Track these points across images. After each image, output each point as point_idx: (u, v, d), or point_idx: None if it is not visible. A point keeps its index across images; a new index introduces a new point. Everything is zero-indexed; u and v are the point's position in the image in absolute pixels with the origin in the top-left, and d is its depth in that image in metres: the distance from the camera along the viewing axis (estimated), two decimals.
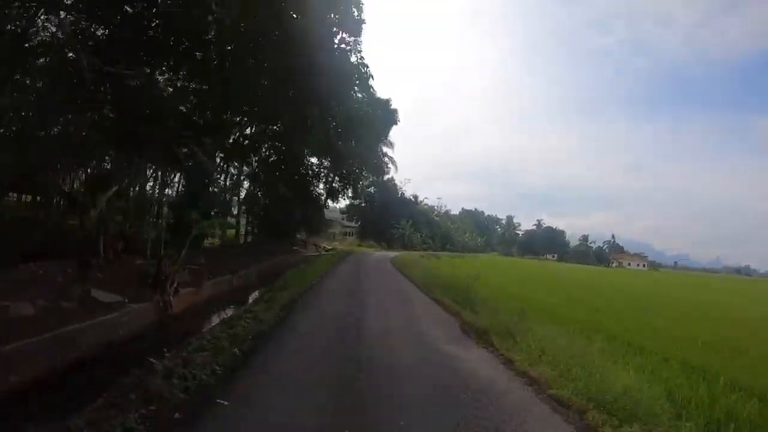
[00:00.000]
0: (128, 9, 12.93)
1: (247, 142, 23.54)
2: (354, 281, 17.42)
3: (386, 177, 61.43)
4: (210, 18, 12.44)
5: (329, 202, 38.54)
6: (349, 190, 36.86)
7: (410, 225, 59.08)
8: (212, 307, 13.14)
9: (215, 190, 22.13)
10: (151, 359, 5.73)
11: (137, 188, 16.47)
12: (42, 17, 12.27)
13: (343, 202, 61.28)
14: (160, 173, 18.28)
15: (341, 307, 10.54)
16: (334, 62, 18.16)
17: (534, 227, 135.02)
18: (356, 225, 62.41)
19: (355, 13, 17.68)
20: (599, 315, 13.99)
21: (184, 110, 16.10)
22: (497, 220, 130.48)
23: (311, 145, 24.30)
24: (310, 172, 27.26)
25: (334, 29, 17.59)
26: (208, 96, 16.07)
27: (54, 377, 6.45)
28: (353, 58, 19.65)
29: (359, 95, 24.93)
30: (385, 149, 36.76)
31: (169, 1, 12.94)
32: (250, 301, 12.93)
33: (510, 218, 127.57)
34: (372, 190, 60.73)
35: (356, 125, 25.02)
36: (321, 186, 32.03)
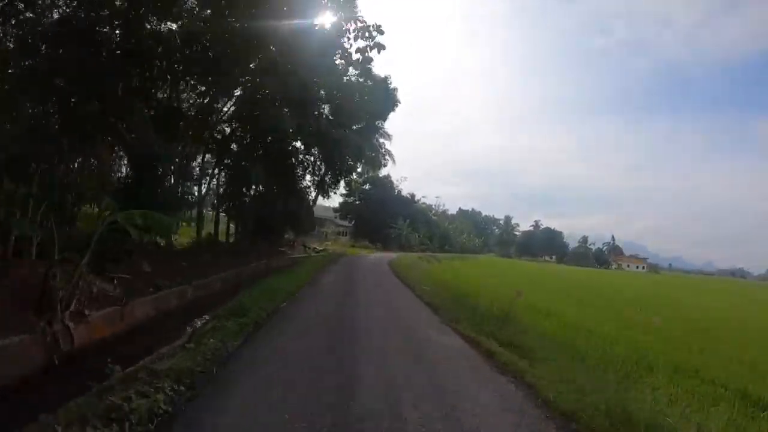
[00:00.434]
0: None
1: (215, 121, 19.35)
2: (341, 302, 11.55)
3: (382, 173, 57.56)
4: None
5: (320, 198, 34.42)
6: (341, 183, 32.59)
7: (408, 225, 55.03)
8: (136, 336, 9.05)
9: (174, 179, 17.89)
10: None
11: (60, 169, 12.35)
12: None
13: (336, 199, 57.32)
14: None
15: (314, 371, 5.66)
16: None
17: (531, 228, 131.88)
18: (350, 224, 58.23)
19: None
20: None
21: None
22: (495, 221, 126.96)
23: (300, 131, 20.27)
24: (294, 159, 22.98)
25: None
26: None
27: None
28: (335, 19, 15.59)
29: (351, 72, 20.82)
30: (382, 140, 32.81)
31: None
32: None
33: (508, 219, 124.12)
34: (367, 187, 56.67)
35: (347, 104, 21.01)
36: (308, 178, 27.90)
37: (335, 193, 32.15)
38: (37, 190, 10.29)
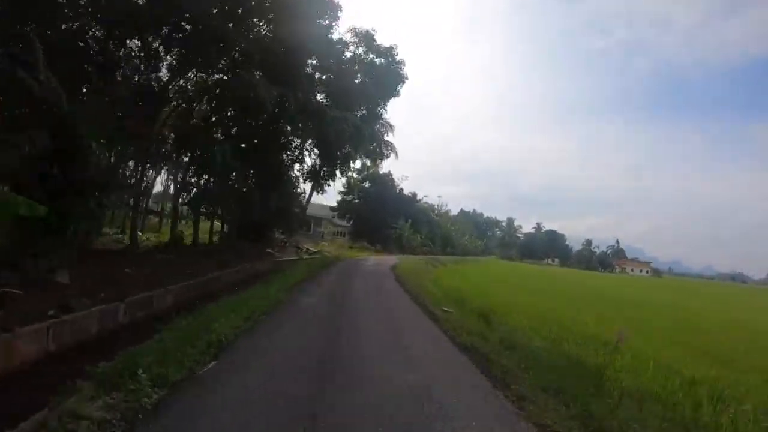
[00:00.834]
0: None
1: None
2: (322, 358, 6.45)
3: (383, 170, 53.83)
4: None
5: (316, 195, 30.68)
6: (339, 176, 28.75)
7: (409, 225, 51.25)
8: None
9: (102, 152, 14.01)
10: None
11: None
12: None
13: (333, 197, 53.53)
14: None
15: None
16: None
17: (533, 230, 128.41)
18: (348, 224, 54.46)
19: None
20: None
21: None
22: (497, 222, 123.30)
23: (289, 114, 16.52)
24: (277, 142, 19.01)
25: None
26: None
27: None
28: None
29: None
30: (383, 130, 28.94)
31: None
32: None
33: (510, 220, 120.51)
34: (367, 185, 52.91)
35: (345, 82, 17.31)
36: (297, 167, 24.11)
37: (329, 184, 28.29)
38: None
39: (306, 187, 30.05)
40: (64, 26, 11.63)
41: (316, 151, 23.04)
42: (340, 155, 23.46)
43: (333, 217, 55.64)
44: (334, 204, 53.89)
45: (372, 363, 6.31)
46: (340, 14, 16.72)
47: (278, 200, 21.21)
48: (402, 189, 54.61)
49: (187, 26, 12.78)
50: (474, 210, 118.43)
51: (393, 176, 54.13)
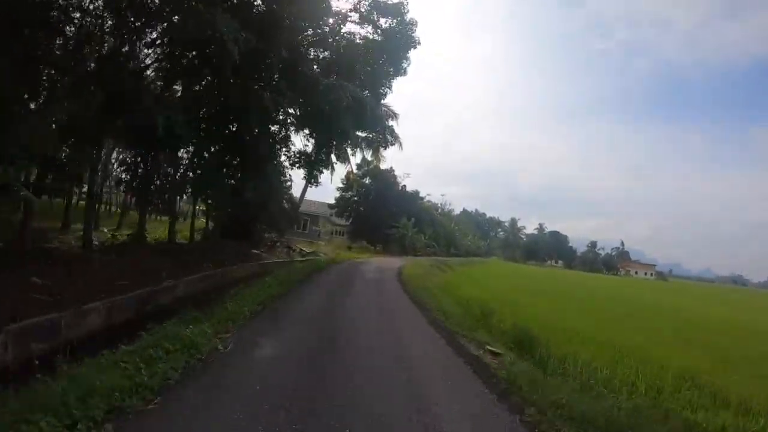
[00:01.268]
0: None
1: None
2: None
3: (384, 166, 49.87)
4: None
5: (309, 189, 26.93)
6: (333, 160, 24.75)
7: (413, 224, 47.39)
8: None
9: None
10: None
11: None
12: None
13: (331, 192, 49.68)
14: None
15: None
16: None
17: (535, 231, 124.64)
18: (347, 223, 50.61)
19: None
20: None
21: None
22: (499, 223, 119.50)
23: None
24: (259, 109, 15.02)
25: None
26: None
27: None
28: None
29: None
30: (385, 112, 24.94)
31: None
32: None
33: (514, 221, 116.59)
34: (367, 181, 49.07)
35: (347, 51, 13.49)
36: (285, 152, 20.32)
37: (323, 171, 24.33)
38: None
39: (295, 174, 26.43)
40: None
41: (306, 130, 19.15)
42: (336, 136, 19.49)
43: (331, 214, 51.81)
44: (332, 201, 50.10)
45: None
46: None
47: (258, 190, 17.46)
48: (405, 186, 50.83)
49: None
50: (476, 210, 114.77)
51: (395, 172, 50.38)
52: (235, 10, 10.45)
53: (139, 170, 13.85)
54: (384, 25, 16.96)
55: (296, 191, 33.41)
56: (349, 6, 16.68)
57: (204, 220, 32.31)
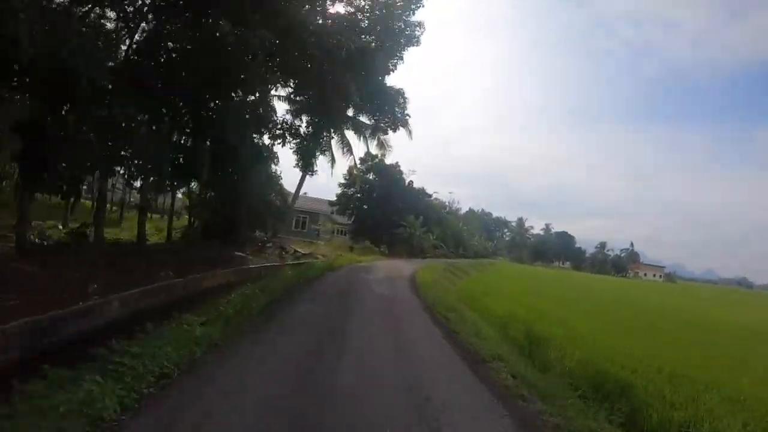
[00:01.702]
0: None
1: None
2: None
3: (389, 161, 45.76)
4: None
5: (307, 177, 22.84)
6: (333, 136, 20.54)
7: (421, 223, 43.14)
8: None
9: None
10: None
11: None
12: None
13: (332, 189, 45.58)
14: None
15: None
16: None
17: (541, 232, 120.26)
18: (349, 221, 46.44)
19: None
20: None
21: None
22: (506, 223, 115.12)
23: None
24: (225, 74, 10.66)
25: None
26: None
27: None
28: None
29: None
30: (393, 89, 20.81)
31: None
32: None
33: (521, 221, 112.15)
34: (371, 177, 44.92)
35: None
36: (266, 127, 16.23)
37: (316, 155, 20.20)
38: None
39: (287, 165, 22.35)
40: None
41: (291, 87, 14.88)
42: (334, 102, 15.14)
43: (332, 212, 47.67)
44: (334, 198, 45.90)
45: None
46: None
47: (228, 177, 13.45)
48: (412, 182, 46.60)
49: None
50: (482, 209, 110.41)
51: (401, 168, 46.15)
52: None
53: (34, 134, 9.61)
54: None
55: (290, 185, 29.34)
56: None
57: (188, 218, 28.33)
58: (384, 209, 43.04)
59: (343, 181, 44.44)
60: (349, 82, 13.47)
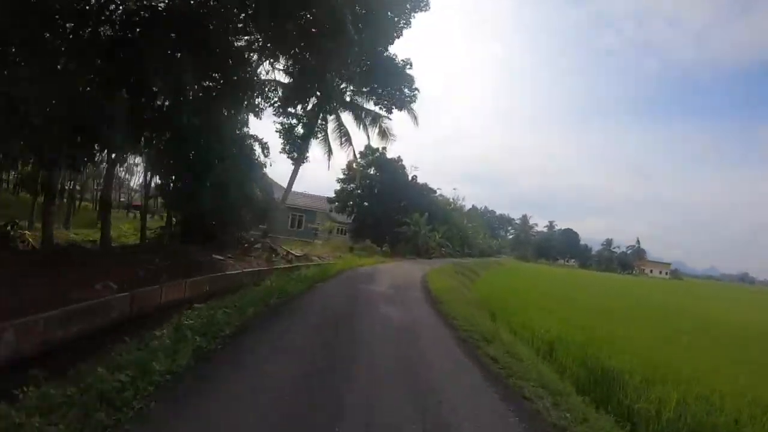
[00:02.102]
0: None
1: None
2: None
3: (391, 155, 42.71)
4: None
5: (288, 162, 19.74)
6: (325, 118, 17.35)
7: (426, 220, 40.00)
8: None
9: None
10: None
11: None
12: None
13: (331, 185, 42.48)
14: None
15: None
16: None
17: (545, 229, 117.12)
18: (349, 219, 43.34)
19: None
20: None
21: None
22: (510, 220, 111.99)
23: None
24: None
25: None
26: None
27: None
28: None
29: None
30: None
31: None
32: None
33: (525, 218, 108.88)
34: (372, 172, 41.82)
35: None
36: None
37: (308, 136, 17.05)
38: None
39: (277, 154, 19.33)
40: None
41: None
42: (331, 57, 11.65)
43: (330, 210, 44.60)
44: (332, 195, 42.78)
45: None
46: None
47: (178, 147, 10.33)
48: (416, 176, 43.45)
49: None
50: (485, 207, 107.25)
51: (403, 162, 43.01)
52: None
53: None
54: None
55: (282, 179, 26.27)
56: None
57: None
58: (386, 206, 39.92)
59: (341, 176, 41.41)
60: (346, 48, 10.26)
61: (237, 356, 5.44)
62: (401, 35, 15.39)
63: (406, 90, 17.95)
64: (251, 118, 17.14)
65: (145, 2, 8.91)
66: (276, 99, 18.07)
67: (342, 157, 39.30)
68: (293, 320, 7.64)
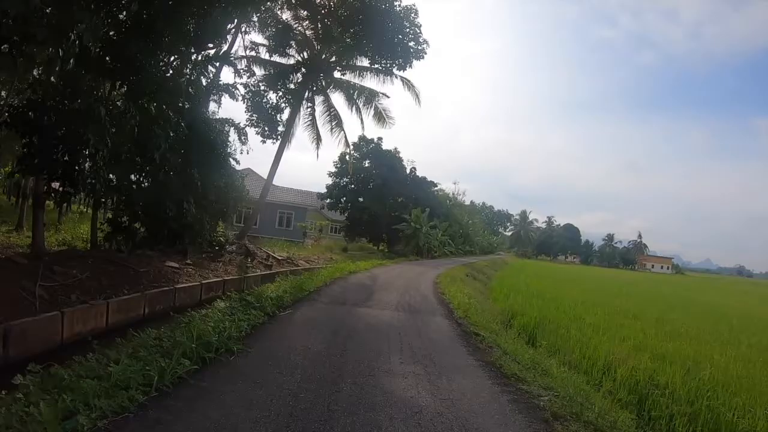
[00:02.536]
0: None
1: None
2: None
3: (387, 146, 39.08)
4: None
5: (263, 138, 16.07)
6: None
7: (428, 216, 36.28)
8: None
9: None
10: None
11: None
12: None
13: (323, 179, 38.67)
14: None
15: None
16: None
17: (544, 225, 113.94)
18: (343, 216, 39.60)
19: None
20: None
21: None
22: (509, 216, 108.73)
23: None
24: None
25: None
26: None
27: None
28: None
29: None
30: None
31: None
32: None
33: (524, 214, 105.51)
34: (366, 164, 38.15)
35: None
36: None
37: (283, 100, 13.34)
38: None
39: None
40: None
41: None
42: None
43: (322, 207, 40.87)
44: (325, 190, 39.00)
45: None
46: None
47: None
48: (414, 169, 39.74)
49: None
50: (483, 203, 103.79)
51: (400, 155, 39.34)
52: None
53: None
54: None
55: (262, 168, 22.57)
56: None
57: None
58: (383, 202, 36.27)
59: (334, 169, 37.70)
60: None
61: None
62: None
63: (411, 42, 14.29)
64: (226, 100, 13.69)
65: None
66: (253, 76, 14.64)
67: (333, 145, 35.30)
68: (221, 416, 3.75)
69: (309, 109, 21.98)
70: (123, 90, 10.86)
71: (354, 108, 22.39)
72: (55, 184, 10.46)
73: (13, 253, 11.26)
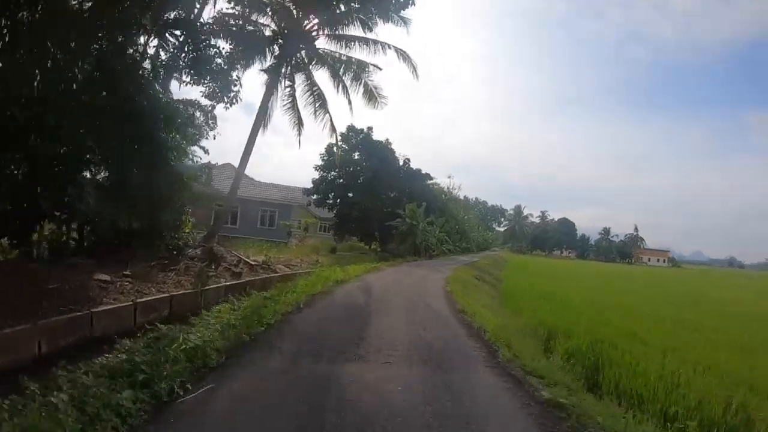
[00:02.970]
0: None
1: None
2: None
3: (378, 136, 36.01)
4: None
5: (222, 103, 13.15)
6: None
7: (424, 211, 33.31)
8: None
9: None
10: None
11: None
12: None
13: (308, 174, 35.50)
14: None
15: None
16: None
17: (538, 219, 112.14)
18: (331, 213, 36.55)
19: None
20: None
21: None
22: (503, 211, 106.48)
23: None
24: None
25: None
26: None
27: None
28: None
29: None
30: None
31: None
32: None
33: (519, 208, 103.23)
34: (356, 156, 35.09)
35: None
36: None
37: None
38: None
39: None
40: None
41: None
42: None
43: (309, 204, 37.75)
44: (311, 185, 35.86)
45: None
46: None
47: None
48: (408, 161, 36.71)
49: None
50: (476, 198, 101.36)
51: (392, 146, 36.27)
52: None
53: None
54: None
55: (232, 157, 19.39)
56: None
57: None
58: (374, 196, 33.29)
59: (320, 162, 34.55)
60: None
61: None
62: None
63: None
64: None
65: None
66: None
67: (318, 135, 31.77)
68: None
69: (288, 89, 18.96)
70: None
71: (340, 86, 19.38)
72: None
73: None
